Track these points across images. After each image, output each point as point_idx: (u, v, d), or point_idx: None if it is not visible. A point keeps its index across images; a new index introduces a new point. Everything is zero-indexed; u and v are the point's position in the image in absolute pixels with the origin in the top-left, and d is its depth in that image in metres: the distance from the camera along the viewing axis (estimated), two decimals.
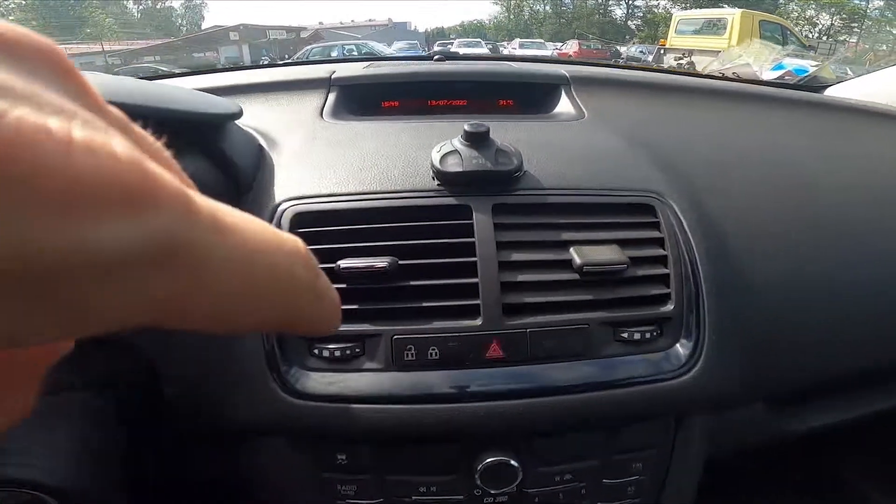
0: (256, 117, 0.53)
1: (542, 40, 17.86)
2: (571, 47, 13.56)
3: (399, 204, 0.40)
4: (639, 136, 0.50)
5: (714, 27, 7.74)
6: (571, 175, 0.43)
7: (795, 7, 21.54)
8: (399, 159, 0.44)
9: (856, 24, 20.53)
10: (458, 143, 0.41)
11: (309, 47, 9.48)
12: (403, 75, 0.63)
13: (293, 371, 0.36)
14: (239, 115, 0.43)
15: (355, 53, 8.58)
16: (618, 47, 15.30)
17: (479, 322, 0.37)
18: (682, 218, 0.41)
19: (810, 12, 21.50)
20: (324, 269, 0.36)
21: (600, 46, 14.83)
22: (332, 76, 0.60)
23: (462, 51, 13.16)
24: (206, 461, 0.44)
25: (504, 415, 0.36)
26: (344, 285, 0.37)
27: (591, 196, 0.42)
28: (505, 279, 0.38)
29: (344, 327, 0.36)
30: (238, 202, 0.42)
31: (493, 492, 0.38)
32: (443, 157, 0.41)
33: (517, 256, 0.39)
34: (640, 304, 0.38)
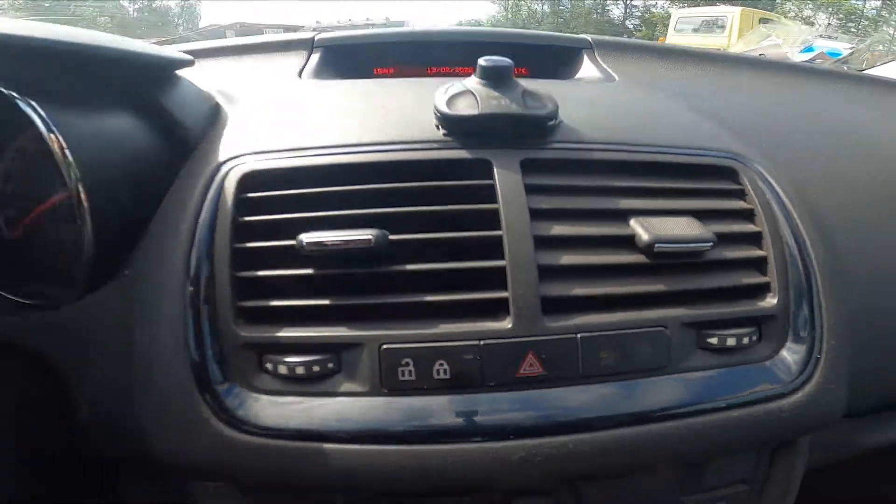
0: (219, 77, 0.45)
1: None
2: None
3: (390, 158, 0.30)
4: (692, 96, 0.41)
5: (713, 26, 7.68)
6: (620, 129, 0.33)
7: (792, 7, 21.57)
8: (392, 110, 0.35)
9: (853, 24, 20.53)
10: (471, 82, 0.32)
11: None
12: (398, 36, 0.54)
13: (235, 392, 0.27)
14: (186, 63, 0.35)
15: None
16: None
17: (508, 325, 0.27)
18: (774, 186, 0.32)
19: (807, 12, 21.53)
20: (280, 248, 0.27)
21: None
22: (316, 38, 0.52)
23: None
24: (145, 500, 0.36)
25: (548, 458, 0.26)
26: (309, 271, 0.28)
27: (651, 154, 0.32)
28: (544, 262, 0.28)
29: (310, 332, 0.27)
30: (180, 166, 0.34)
31: None
32: (451, 99, 0.31)
33: (558, 230, 0.29)
34: (731, 297, 0.29)
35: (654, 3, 24.60)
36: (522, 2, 29.15)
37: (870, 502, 0.61)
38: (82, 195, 0.25)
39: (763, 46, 0.78)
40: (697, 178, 0.32)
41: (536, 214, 0.29)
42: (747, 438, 0.28)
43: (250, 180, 0.30)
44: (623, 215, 0.30)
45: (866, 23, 20.50)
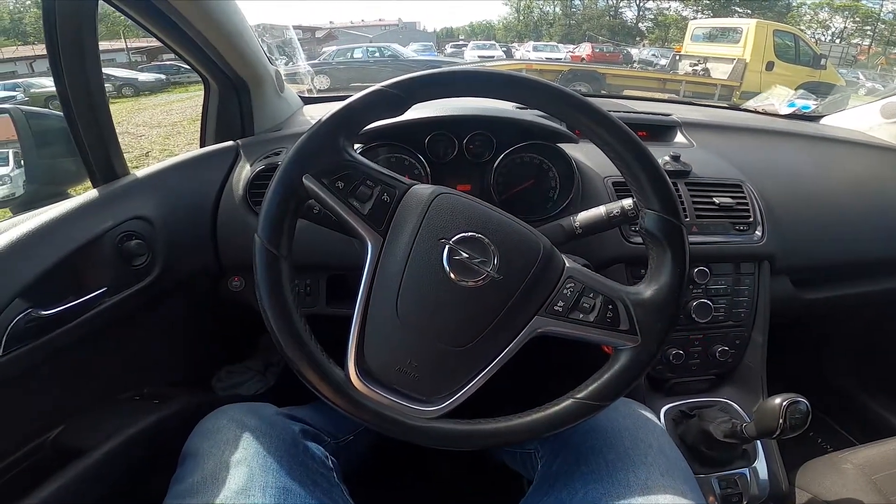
0: None
1: (555, 42, 17.98)
2: (584, 50, 13.62)
3: None
4: (725, 153, 0.91)
5: (729, 36, 7.83)
6: (697, 168, 0.84)
7: (808, 10, 21.43)
8: None
9: (869, 28, 20.41)
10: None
11: (331, 50, 9.29)
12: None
13: None
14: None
15: (377, 56, 8.73)
16: (629, 49, 15.36)
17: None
18: (752, 189, 0.84)
19: (823, 15, 21.38)
20: None
21: (612, 49, 14.92)
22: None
23: (478, 53, 13.18)
24: None
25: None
26: None
27: (709, 180, 0.84)
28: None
29: None
30: None
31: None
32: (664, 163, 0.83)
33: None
34: (741, 218, 0.81)
35: (667, 6, 24.50)
36: (534, 3, 29.16)
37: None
38: None
39: (764, 104, 1.12)
40: (726, 186, 0.83)
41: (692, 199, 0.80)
42: (750, 255, 0.79)
43: None
44: (713, 197, 0.81)
45: (882, 26, 20.28)
